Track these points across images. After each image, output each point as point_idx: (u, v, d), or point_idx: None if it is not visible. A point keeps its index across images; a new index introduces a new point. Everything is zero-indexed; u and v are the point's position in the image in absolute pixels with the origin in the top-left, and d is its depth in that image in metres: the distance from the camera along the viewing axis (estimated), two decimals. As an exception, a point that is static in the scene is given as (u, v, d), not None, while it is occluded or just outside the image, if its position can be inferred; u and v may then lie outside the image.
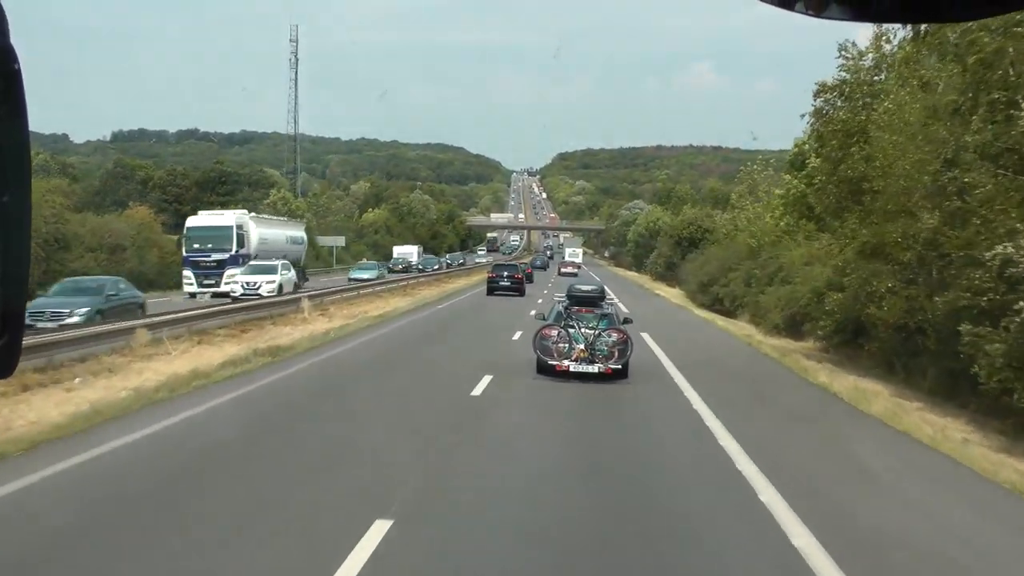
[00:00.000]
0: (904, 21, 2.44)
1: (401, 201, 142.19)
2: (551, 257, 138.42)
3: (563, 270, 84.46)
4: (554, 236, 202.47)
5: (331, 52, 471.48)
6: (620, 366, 16.01)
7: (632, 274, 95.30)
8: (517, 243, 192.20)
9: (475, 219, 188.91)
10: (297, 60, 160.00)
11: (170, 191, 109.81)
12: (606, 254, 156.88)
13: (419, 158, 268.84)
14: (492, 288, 45.86)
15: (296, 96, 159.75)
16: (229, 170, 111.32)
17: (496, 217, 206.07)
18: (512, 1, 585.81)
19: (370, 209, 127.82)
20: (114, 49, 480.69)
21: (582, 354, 15.93)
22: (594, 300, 17.86)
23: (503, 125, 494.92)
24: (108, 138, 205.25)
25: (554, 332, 16.33)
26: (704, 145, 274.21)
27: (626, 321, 17.79)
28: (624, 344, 16.18)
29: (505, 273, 47.59)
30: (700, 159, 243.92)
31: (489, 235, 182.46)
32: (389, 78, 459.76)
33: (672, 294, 54.05)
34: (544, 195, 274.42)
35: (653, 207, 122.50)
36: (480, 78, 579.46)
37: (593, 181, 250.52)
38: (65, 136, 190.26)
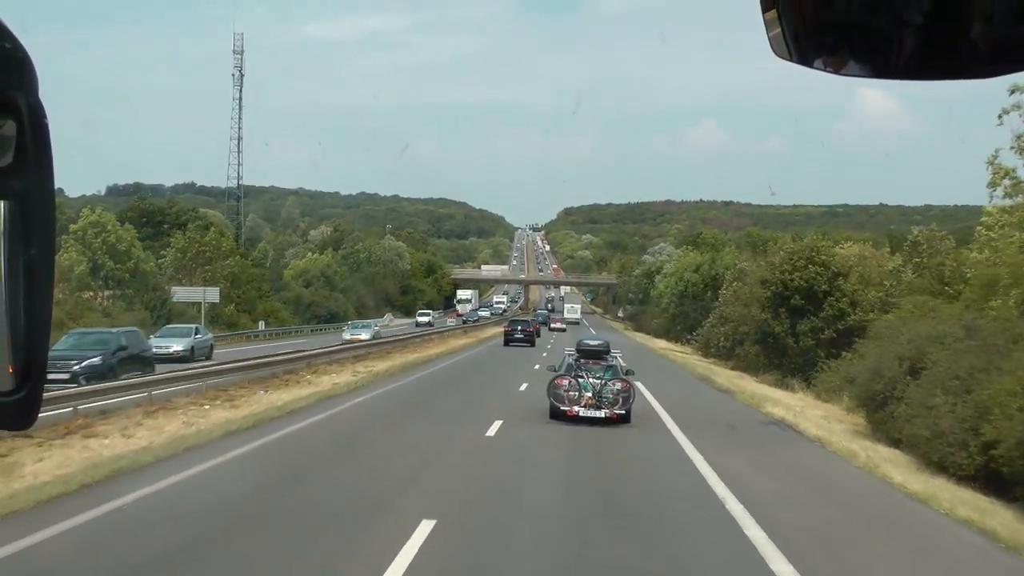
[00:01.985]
0: (924, 79, 1.12)
1: (359, 247, 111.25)
2: (552, 311, 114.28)
3: (553, 326, 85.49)
4: (555, 289, 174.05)
5: (330, 108, 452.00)
6: (624, 411, 18.57)
7: (664, 345, 63.64)
8: (504, 304, 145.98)
9: (462, 272, 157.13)
10: (242, 75, 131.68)
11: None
12: (620, 313, 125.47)
13: (418, 212, 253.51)
14: (508, 340, 55.95)
15: (240, 118, 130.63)
16: (156, 208, 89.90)
17: (488, 269, 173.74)
18: (521, 59, 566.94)
19: (310, 254, 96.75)
20: (114, 103, 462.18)
21: (590, 401, 18.42)
22: (600, 353, 20.19)
23: (508, 181, 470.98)
24: (103, 192, 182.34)
25: (565, 381, 18.79)
26: (715, 200, 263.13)
27: (628, 372, 20.63)
28: (628, 392, 18.77)
29: (519, 327, 58.35)
30: (712, 213, 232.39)
31: (460, 293, 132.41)
32: (395, 134, 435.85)
33: (820, 425, 22.13)
34: (547, 247, 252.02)
35: (685, 250, 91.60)
36: (485, 134, 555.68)
37: (600, 236, 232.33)
38: (60, 191, 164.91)
